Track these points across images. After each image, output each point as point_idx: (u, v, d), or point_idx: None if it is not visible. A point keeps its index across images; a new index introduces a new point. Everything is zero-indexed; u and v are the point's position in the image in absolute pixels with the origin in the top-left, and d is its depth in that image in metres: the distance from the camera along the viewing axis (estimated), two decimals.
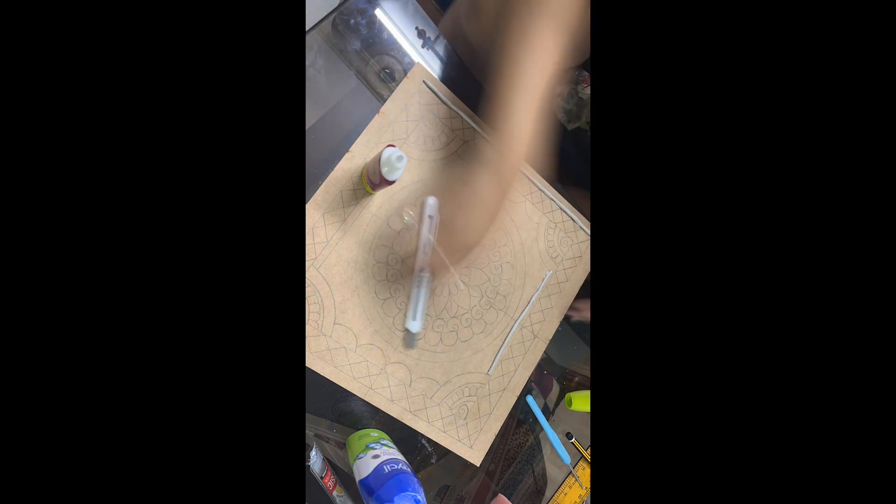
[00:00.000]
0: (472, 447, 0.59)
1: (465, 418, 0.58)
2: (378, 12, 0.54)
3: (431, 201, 0.54)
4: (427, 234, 0.54)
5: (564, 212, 0.63)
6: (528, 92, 0.49)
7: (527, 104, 0.49)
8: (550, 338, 0.63)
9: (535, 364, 0.62)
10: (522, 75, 0.49)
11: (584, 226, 0.64)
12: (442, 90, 0.55)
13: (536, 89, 0.49)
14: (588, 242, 0.65)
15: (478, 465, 0.59)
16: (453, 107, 0.55)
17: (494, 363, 0.59)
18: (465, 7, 0.67)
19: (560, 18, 0.48)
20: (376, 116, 0.52)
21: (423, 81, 0.54)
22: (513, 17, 0.50)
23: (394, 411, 0.54)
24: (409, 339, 0.54)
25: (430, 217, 0.54)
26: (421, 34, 0.56)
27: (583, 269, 0.65)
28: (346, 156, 0.51)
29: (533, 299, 0.61)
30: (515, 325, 0.60)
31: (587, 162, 0.72)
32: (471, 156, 0.57)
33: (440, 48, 0.57)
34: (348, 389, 0.51)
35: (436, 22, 0.57)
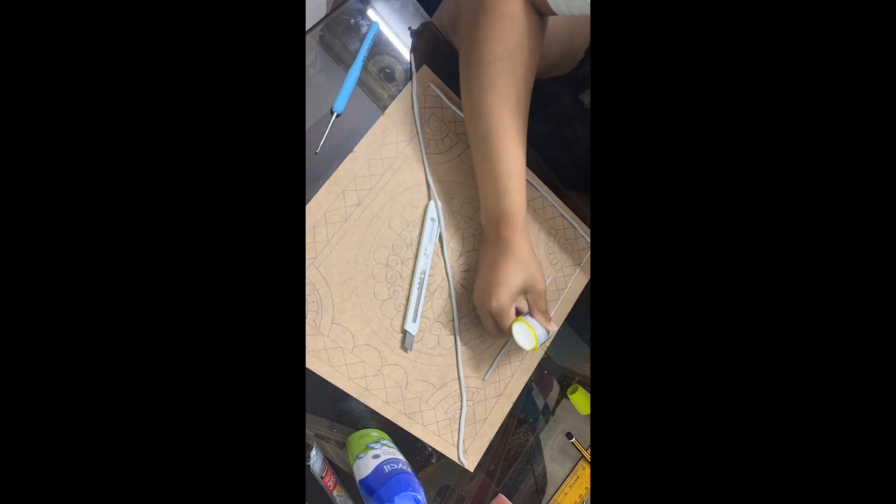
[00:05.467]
0: (467, 452, 0.58)
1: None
2: (378, 13, 0.54)
3: (434, 205, 0.55)
4: (428, 237, 0.54)
5: (566, 219, 0.63)
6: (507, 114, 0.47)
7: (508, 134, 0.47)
8: (548, 344, 0.62)
9: (532, 370, 0.62)
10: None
11: (585, 234, 0.64)
12: (447, 94, 0.55)
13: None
14: (588, 251, 0.65)
15: (471, 471, 0.59)
16: (458, 111, 0.56)
17: (491, 368, 0.59)
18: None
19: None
20: (381, 118, 0.52)
21: (430, 84, 0.54)
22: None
23: (389, 413, 0.53)
24: (408, 341, 0.54)
25: (433, 220, 0.54)
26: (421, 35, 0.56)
27: (583, 276, 0.65)
28: (350, 156, 0.51)
29: None
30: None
31: (586, 166, 0.72)
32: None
33: (441, 48, 0.57)
34: (343, 390, 0.51)
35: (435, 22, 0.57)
